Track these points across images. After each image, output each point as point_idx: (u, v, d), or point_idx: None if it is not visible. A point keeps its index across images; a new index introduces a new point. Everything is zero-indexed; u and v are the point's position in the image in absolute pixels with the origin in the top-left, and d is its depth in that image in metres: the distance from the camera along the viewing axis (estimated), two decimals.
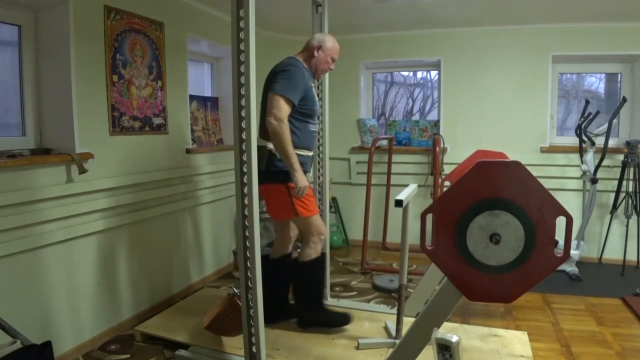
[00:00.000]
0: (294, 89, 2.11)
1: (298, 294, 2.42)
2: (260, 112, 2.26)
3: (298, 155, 2.16)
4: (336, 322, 2.40)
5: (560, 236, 1.26)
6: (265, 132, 2.16)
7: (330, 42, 2.34)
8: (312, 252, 2.32)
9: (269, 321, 2.17)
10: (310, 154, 2.32)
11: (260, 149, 2.15)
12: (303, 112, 2.21)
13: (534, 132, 3.77)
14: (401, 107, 5.52)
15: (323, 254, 2.48)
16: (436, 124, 4.12)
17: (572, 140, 3.68)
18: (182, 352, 2.17)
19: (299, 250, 2.41)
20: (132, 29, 2.57)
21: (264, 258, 1.95)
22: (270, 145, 2.17)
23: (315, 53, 2.32)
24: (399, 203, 1.88)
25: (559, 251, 1.27)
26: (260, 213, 3.25)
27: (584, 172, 3.43)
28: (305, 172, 2.21)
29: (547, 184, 1.40)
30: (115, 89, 2.47)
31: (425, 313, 1.47)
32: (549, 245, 1.27)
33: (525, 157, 3.64)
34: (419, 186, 3.95)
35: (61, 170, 2.18)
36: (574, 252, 3.33)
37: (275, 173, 2.18)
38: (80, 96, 2.24)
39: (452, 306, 1.44)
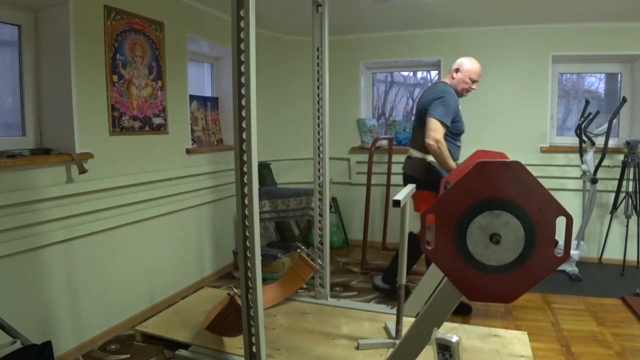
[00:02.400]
0: (448, 114, 2.46)
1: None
2: (413, 127, 2.75)
3: None
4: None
5: (560, 236, 1.26)
6: (421, 145, 2.58)
7: (468, 64, 2.59)
8: None
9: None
10: (456, 164, 2.65)
11: (419, 160, 2.64)
12: (453, 132, 2.56)
13: (534, 132, 3.77)
14: (401, 107, 5.51)
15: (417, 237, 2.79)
16: None
17: (572, 140, 3.68)
18: (182, 352, 2.17)
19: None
20: (132, 29, 2.57)
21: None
22: (430, 158, 2.58)
23: (454, 75, 2.62)
24: (396, 203, 1.88)
25: (559, 251, 1.27)
26: (261, 213, 3.27)
27: (584, 172, 3.42)
28: None
29: (547, 184, 1.40)
30: (115, 89, 2.47)
31: (425, 313, 1.47)
32: (549, 245, 1.27)
33: (525, 157, 3.63)
34: None
35: (61, 170, 2.18)
36: (574, 252, 3.33)
37: (432, 181, 2.55)
38: (80, 96, 2.24)
39: (452, 306, 1.44)
